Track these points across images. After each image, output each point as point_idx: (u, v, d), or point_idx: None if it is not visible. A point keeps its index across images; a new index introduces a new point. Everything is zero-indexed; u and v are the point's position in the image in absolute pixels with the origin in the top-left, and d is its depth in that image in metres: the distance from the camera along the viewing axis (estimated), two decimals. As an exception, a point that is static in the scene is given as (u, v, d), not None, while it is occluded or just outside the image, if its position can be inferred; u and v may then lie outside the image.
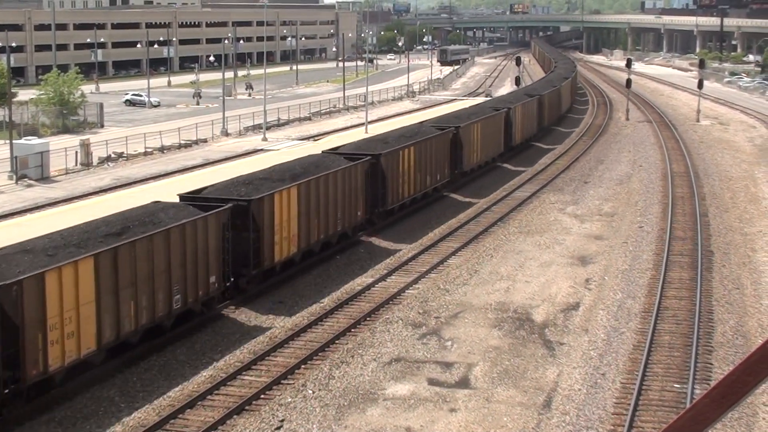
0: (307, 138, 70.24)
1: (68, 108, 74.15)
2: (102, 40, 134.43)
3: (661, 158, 60.05)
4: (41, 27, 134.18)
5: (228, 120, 72.14)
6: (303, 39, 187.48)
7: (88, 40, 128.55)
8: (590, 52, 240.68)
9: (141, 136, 62.85)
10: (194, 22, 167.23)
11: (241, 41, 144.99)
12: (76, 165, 55.38)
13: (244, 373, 23.17)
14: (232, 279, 27.87)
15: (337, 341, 25.50)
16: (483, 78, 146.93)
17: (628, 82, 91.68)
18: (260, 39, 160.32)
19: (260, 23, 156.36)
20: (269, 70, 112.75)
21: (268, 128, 72.06)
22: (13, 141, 52.59)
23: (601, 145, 67.52)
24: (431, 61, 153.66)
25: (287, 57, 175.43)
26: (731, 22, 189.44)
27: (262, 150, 63.27)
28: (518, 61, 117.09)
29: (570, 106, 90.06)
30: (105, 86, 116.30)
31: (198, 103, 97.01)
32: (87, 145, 56.78)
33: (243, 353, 24.57)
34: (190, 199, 28.54)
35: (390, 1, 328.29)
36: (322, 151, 39.41)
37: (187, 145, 65.46)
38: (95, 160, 56.93)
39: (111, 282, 22.41)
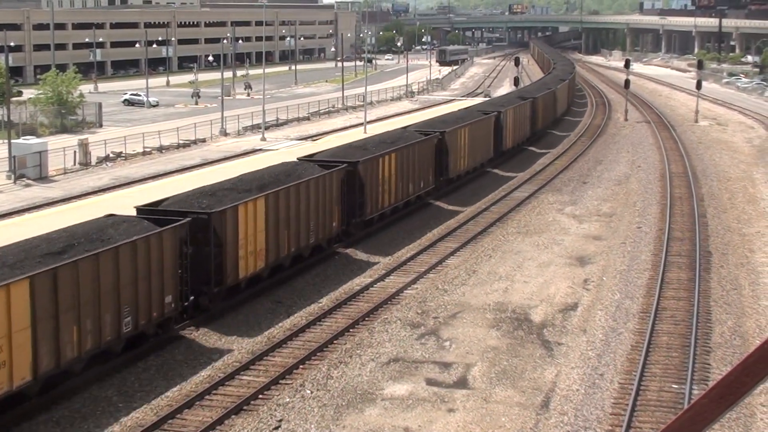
0: (306, 138, 70.24)
1: (66, 108, 74.14)
2: (101, 39, 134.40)
3: (659, 159, 60.09)
4: (40, 26, 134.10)
5: (227, 120, 72.14)
6: (302, 39, 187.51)
7: (87, 40, 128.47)
8: (589, 53, 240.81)
9: (139, 136, 62.84)
10: (193, 22, 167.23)
11: (240, 41, 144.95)
12: (75, 165, 55.35)
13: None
14: (192, 297, 26.11)
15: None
16: (482, 78, 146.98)
17: (627, 82, 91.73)
18: (259, 39, 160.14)
19: (259, 23, 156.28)
20: (268, 70, 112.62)
21: (266, 128, 72.07)
22: (12, 140, 52.55)
23: (600, 145, 67.56)
24: (430, 62, 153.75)
25: (286, 57, 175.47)
26: (730, 23, 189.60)
27: (260, 150, 63.27)
28: (517, 62, 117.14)
29: (567, 108, 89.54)
30: (103, 86, 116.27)
31: (197, 103, 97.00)
32: (85, 144, 56.76)
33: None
34: (148, 212, 26.85)
35: (389, 1, 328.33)
36: (297, 158, 37.32)
37: (186, 145, 65.45)
38: (93, 160, 56.92)
39: (50, 306, 20.58)
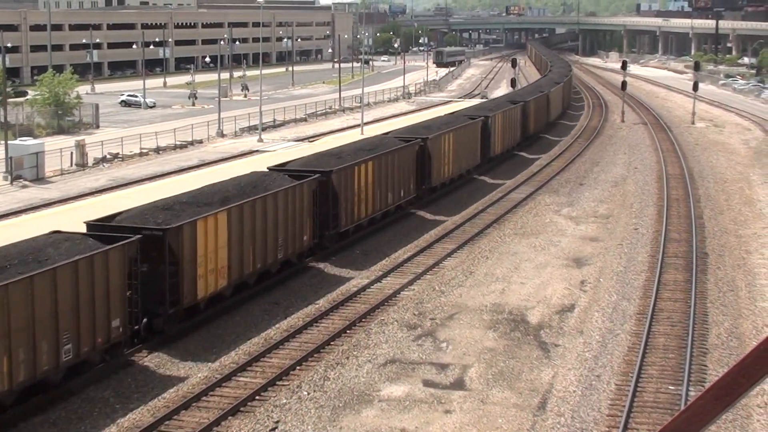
0: (303, 139, 70.23)
1: (63, 109, 74.07)
2: (98, 40, 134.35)
3: (656, 160, 60.16)
4: (37, 27, 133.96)
5: (224, 121, 72.14)
6: (299, 40, 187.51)
7: (84, 41, 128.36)
8: (586, 55, 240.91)
9: (136, 137, 62.83)
10: (190, 23, 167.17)
11: (237, 42, 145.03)
12: (72, 166, 55.31)
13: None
14: (145, 320, 24.28)
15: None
16: (479, 80, 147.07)
17: (624, 84, 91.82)
18: (256, 40, 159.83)
19: (256, 24, 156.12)
20: (265, 71, 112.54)
21: (263, 129, 72.06)
22: (8, 141, 52.52)
23: (597, 147, 67.59)
24: (427, 63, 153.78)
25: (283, 58, 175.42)
26: (726, 25, 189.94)
27: (257, 151, 63.26)
28: (514, 63, 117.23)
29: (563, 111, 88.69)
30: (100, 87, 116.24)
31: (194, 104, 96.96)
32: (82, 145, 56.72)
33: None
34: (98, 227, 24.88)
35: (386, 3, 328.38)
36: (268, 168, 35.10)
37: (183, 146, 65.42)
38: (90, 161, 56.88)
39: None
